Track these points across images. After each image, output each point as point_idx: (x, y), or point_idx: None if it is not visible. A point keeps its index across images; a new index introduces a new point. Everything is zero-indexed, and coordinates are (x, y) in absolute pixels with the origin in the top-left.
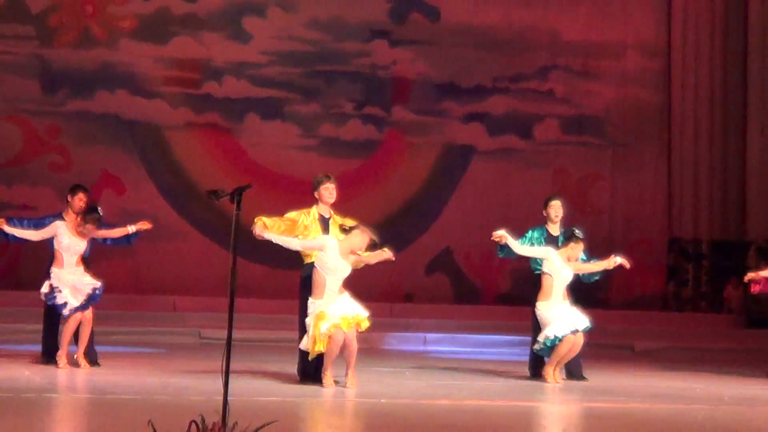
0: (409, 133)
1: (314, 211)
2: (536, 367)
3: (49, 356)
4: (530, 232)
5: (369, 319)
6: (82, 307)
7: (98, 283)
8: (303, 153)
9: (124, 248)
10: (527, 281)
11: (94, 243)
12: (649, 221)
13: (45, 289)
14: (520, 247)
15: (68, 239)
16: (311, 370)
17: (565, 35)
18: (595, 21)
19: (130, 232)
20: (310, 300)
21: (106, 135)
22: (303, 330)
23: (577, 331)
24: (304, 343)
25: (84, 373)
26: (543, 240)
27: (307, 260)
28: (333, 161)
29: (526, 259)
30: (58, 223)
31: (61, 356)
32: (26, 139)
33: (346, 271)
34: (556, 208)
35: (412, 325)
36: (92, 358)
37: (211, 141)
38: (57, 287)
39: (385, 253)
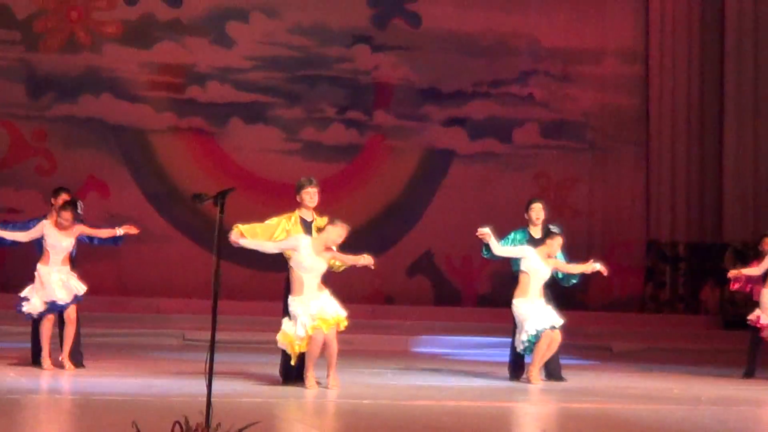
0: (390, 137)
1: (296, 215)
2: (516, 369)
3: (37, 358)
4: (512, 234)
5: (347, 318)
6: (50, 310)
7: (81, 291)
8: (286, 157)
9: (109, 251)
10: (507, 283)
11: (81, 244)
12: (628, 224)
13: (23, 293)
14: (500, 248)
15: (53, 238)
16: (294, 371)
17: (545, 41)
18: (575, 27)
19: (117, 234)
20: (290, 298)
21: (92, 139)
22: None
23: (554, 327)
24: (280, 341)
25: (68, 374)
26: (525, 242)
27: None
28: (315, 165)
29: (507, 262)
30: (45, 222)
31: (45, 358)
32: (12, 143)
33: (322, 268)
34: (537, 211)
35: (394, 326)
36: (77, 360)
37: (195, 145)
38: (26, 297)
39: (365, 259)
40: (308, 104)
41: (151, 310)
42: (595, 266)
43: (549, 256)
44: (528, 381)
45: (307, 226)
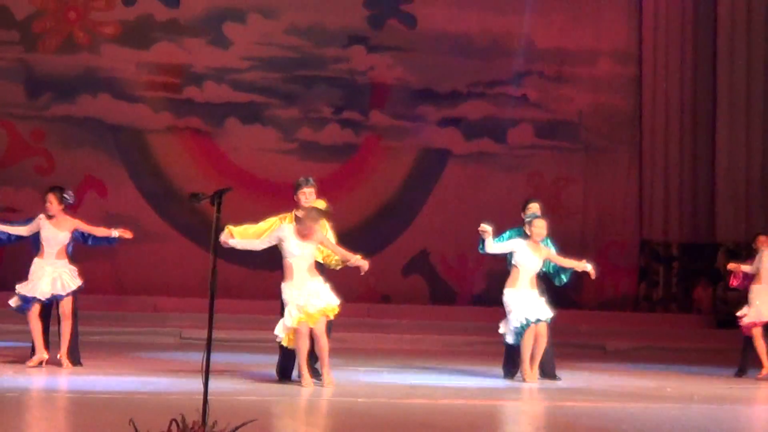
0: (386, 137)
1: (293, 215)
2: (511, 367)
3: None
4: (508, 233)
5: (340, 307)
6: (32, 301)
7: (69, 288)
8: (282, 157)
9: (106, 249)
10: (502, 282)
11: (76, 244)
12: (621, 224)
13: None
14: (493, 245)
15: (48, 230)
16: (290, 369)
17: (539, 42)
18: (569, 28)
19: (112, 235)
20: (282, 285)
21: (89, 139)
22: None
23: (539, 320)
24: (278, 329)
25: (66, 372)
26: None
27: None
28: (311, 165)
29: (502, 260)
30: (41, 216)
31: (39, 350)
32: (11, 142)
33: (310, 253)
34: (534, 211)
35: (389, 325)
36: (75, 358)
37: (192, 145)
38: (19, 293)
39: (357, 260)
40: (304, 104)
41: (148, 308)
42: (586, 266)
43: (535, 241)
44: (522, 380)
45: None
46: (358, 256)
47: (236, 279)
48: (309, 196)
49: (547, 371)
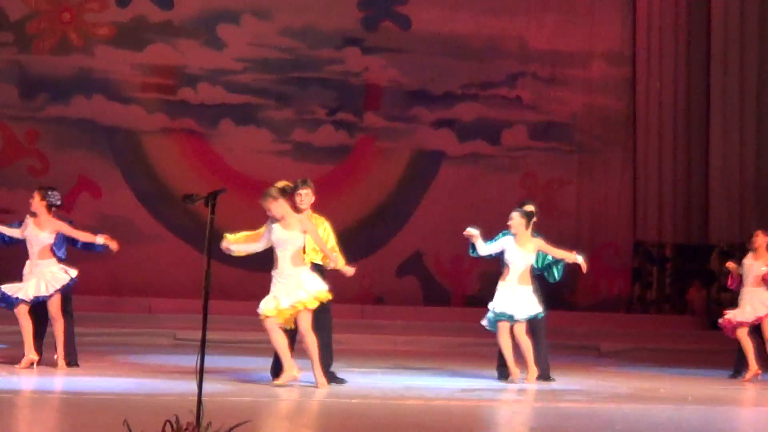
0: (380, 138)
1: None
2: (505, 368)
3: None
4: (501, 235)
5: (330, 292)
6: (19, 300)
7: (53, 288)
8: (276, 158)
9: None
10: (496, 284)
11: (69, 249)
12: (615, 225)
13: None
14: (484, 247)
15: (29, 229)
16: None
17: (533, 43)
18: (562, 30)
19: (97, 242)
20: (272, 272)
21: (83, 140)
22: None
23: (514, 320)
24: (261, 307)
25: (60, 373)
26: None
27: None
28: (306, 166)
29: (495, 262)
30: (28, 215)
31: (28, 351)
32: (4, 143)
33: (293, 242)
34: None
35: (383, 326)
36: (72, 360)
37: (187, 146)
38: (6, 291)
39: (344, 266)
40: (298, 106)
41: (143, 309)
42: (577, 258)
43: (515, 233)
44: (513, 379)
45: None
46: (343, 262)
47: (231, 280)
48: (304, 198)
49: (541, 372)
